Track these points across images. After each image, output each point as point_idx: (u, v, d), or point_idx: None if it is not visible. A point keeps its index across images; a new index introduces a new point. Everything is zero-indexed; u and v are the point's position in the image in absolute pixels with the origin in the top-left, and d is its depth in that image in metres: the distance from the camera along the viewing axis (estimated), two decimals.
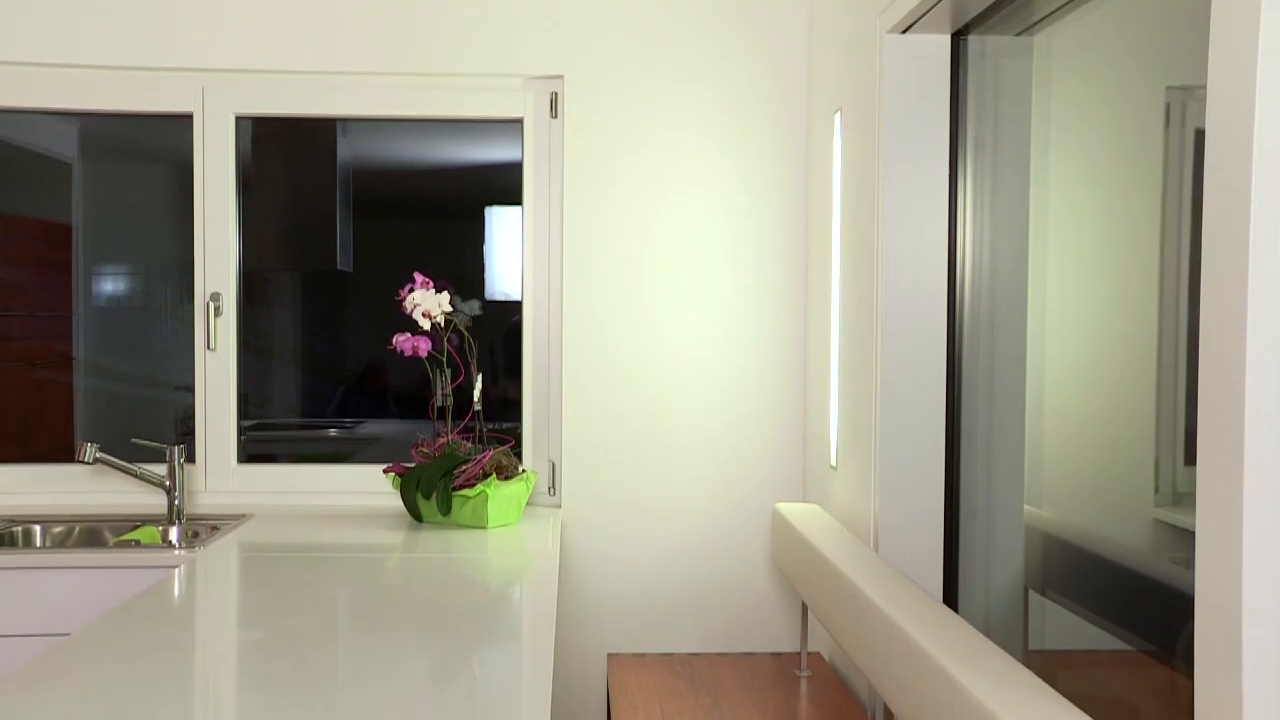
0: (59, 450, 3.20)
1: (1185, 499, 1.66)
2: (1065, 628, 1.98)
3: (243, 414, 3.18)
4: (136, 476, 3.02)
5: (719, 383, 3.10)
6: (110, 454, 3.00)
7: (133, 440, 3.08)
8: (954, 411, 2.39)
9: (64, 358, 3.18)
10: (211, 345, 3.11)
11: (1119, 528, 1.80)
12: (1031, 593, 2.11)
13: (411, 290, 2.89)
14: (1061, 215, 2.01)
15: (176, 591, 2.16)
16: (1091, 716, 1.43)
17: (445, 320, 2.93)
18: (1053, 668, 2.04)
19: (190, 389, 3.15)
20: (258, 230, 3.18)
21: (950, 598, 2.39)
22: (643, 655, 2.93)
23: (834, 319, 2.77)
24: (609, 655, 2.94)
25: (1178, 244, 1.63)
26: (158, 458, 3.14)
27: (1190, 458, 1.64)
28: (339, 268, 3.22)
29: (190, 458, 3.13)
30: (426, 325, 2.88)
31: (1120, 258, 1.78)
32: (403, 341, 2.88)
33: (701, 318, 3.10)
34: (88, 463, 2.94)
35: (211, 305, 3.10)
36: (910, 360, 2.38)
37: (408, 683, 1.65)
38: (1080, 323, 1.92)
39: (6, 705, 1.53)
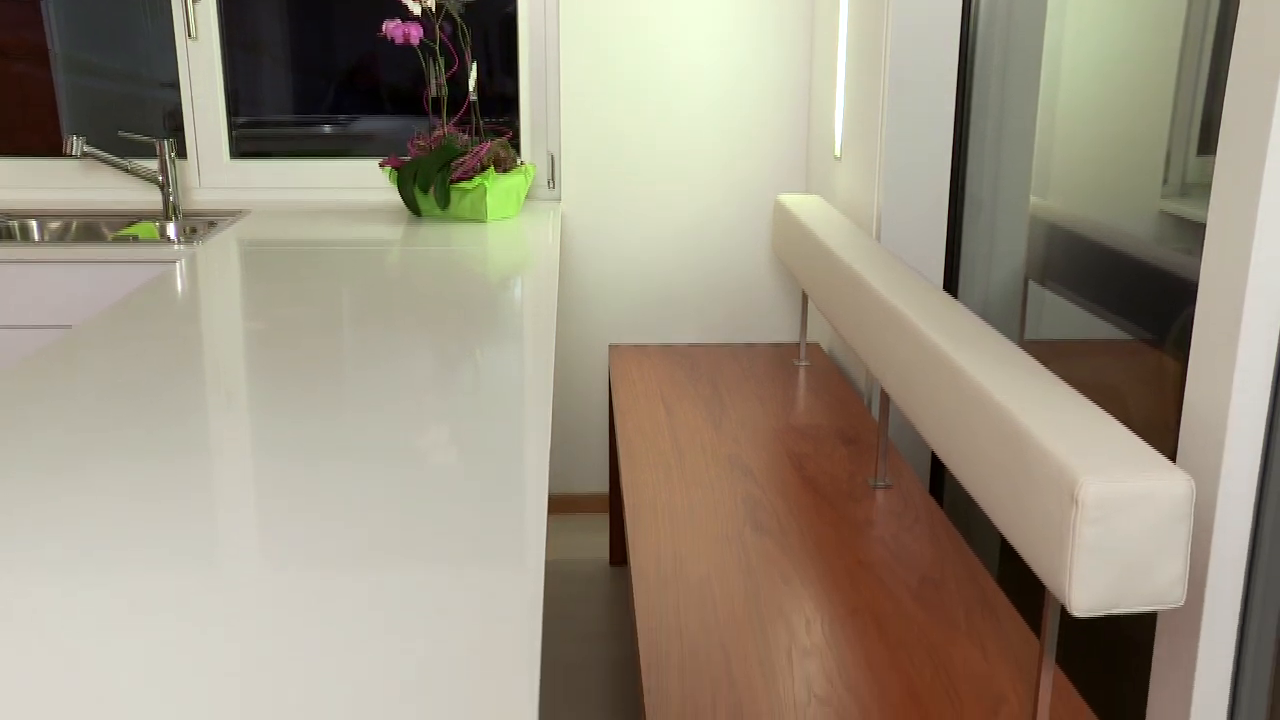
0: (46, 147, 3.13)
1: (1194, 190, 1.63)
2: (1062, 317, 1.99)
3: (234, 111, 3.09)
4: (128, 171, 2.97)
5: (722, 71, 2.99)
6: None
7: (119, 134, 3.01)
8: (964, 100, 2.31)
9: (39, 50, 3.05)
10: (193, 34, 2.98)
11: (1124, 218, 1.78)
12: (1031, 283, 2.12)
13: None
14: None
15: (179, 285, 2.17)
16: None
17: (436, 5, 2.79)
18: (1048, 355, 2.07)
19: (175, 86, 3.04)
20: None
21: (950, 287, 2.41)
22: (644, 346, 2.98)
23: (842, 2, 2.63)
24: (610, 346, 3.00)
25: None
26: (147, 153, 3.08)
27: (1205, 147, 1.59)
28: None
29: (181, 153, 3.07)
30: (417, 10, 2.74)
31: None
32: (393, 28, 2.75)
33: (705, 2, 2.94)
34: (76, 156, 2.88)
35: None
36: (921, 45, 2.27)
37: (412, 372, 1.67)
38: (1104, 4, 1.82)
39: (15, 390, 1.56)
